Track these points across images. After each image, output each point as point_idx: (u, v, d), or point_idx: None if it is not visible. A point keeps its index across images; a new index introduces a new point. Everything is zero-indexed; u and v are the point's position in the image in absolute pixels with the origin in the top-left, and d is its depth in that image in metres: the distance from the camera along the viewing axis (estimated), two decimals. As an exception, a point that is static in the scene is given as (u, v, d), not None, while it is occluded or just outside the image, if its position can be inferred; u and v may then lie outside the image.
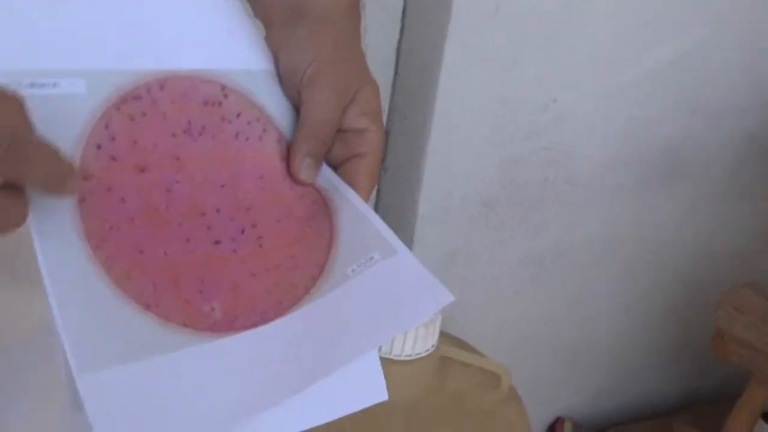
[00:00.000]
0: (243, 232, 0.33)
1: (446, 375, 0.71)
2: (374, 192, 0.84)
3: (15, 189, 0.26)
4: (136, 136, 0.32)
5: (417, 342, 0.67)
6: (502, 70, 0.75)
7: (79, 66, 0.31)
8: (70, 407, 0.36)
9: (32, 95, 0.29)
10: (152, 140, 0.33)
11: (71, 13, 0.32)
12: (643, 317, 1.04)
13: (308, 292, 0.33)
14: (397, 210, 0.82)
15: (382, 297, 0.33)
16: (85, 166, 0.30)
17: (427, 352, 0.68)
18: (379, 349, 0.65)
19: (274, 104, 0.37)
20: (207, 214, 0.33)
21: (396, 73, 0.77)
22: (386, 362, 0.66)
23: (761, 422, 0.87)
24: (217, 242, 0.33)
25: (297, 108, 0.37)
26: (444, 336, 0.71)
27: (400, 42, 0.76)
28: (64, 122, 0.30)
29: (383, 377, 0.33)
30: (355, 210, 0.35)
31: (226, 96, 0.35)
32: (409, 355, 0.67)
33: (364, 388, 0.33)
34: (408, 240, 0.81)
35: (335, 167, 0.37)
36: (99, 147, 0.31)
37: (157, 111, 0.33)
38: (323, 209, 0.36)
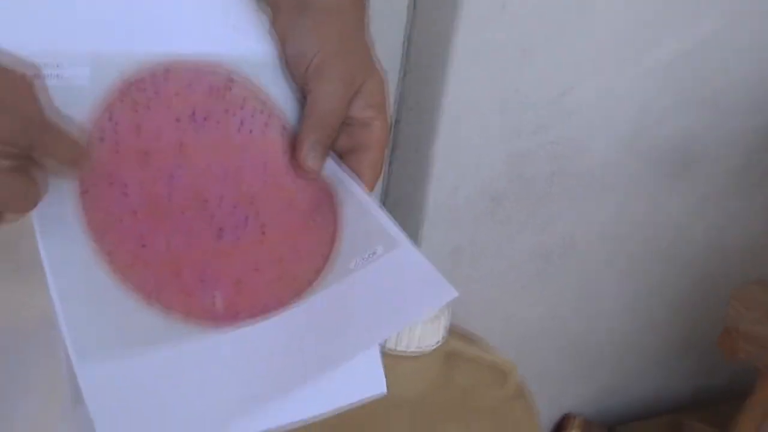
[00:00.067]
0: (246, 220, 0.33)
1: (453, 370, 0.71)
2: (381, 186, 0.84)
3: (28, 171, 0.27)
4: (140, 124, 0.32)
5: (423, 336, 0.67)
6: (510, 64, 0.74)
7: (83, 48, 0.31)
8: (72, 401, 0.36)
9: None
10: (156, 127, 0.33)
11: None
12: (652, 313, 1.03)
13: (311, 285, 0.33)
14: (404, 204, 0.82)
15: (386, 292, 0.33)
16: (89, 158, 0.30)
17: (434, 347, 0.68)
18: (385, 343, 0.65)
19: (280, 94, 0.37)
20: (210, 202, 0.33)
21: (404, 66, 0.77)
22: (392, 357, 0.66)
23: (771, 419, 0.86)
24: (220, 232, 0.33)
25: (302, 98, 0.37)
26: (451, 331, 0.71)
27: (407, 35, 0.76)
28: (67, 114, 0.30)
29: (383, 371, 0.33)
30: (359, 202, 0.35)
31: (230, 86, 0.35)
32: (416, 350, 0.67)
33: (363, 380, 0.32)
34: (415, 234, 0.81)
35: (339, 158, 0.37)
36: (102, 139, 0.31)
37: (161, 101, 0.33)
38: (327, 201, 0.35)
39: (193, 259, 0.31)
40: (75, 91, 0.30)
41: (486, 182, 0.81)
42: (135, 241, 0.30)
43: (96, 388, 0.26)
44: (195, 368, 0.29)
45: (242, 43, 0.36)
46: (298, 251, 0.34)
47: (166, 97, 0.33)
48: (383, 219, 0.34)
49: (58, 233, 0.28)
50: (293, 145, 0.36)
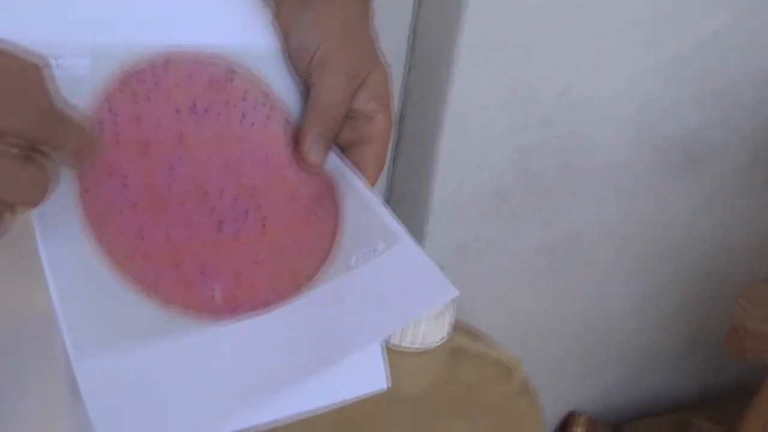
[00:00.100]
0: (247, 213, 0.33)
1: (458, 366, 0.70)
2: (386, 182, 0.83)
3: (40, 162, 0.26)
4: (139, 115, 0.32)
5: (428, 332, 0.66)
6: (516, 58, 0.74)
7: (82, 38, 0.31)
8: (70, 394, 0.36)
9: None
10: (156, 118, 0.32)
11: None
12: (659, 310, 1.03)
13: (311, 280, 0.33)
14: (409, 200, 0.82)
15: (386, 289, 0.32)
16: None
17: (439, 343, 0.67)
18: (389, 339, 0.65)
19: (282, 86, 0.36)
20: (210, 195, 0.33)
21: (409, 61, 0.77)
22: (397, 353, 0.66)
23: (779, 418, 0.86)
24: (220, 224, 0.32)
25: (305, 91, 0.37)
26: (456, 327, 0.71)
27: (413, 27, 0.75)
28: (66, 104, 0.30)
29: (384, 366, 0.32)
30: (360, 197, 0.35)
31: (232, 77, 0.35)
32: (420, 346, 0.67)
33: (365, 375, 0.32)
34: (420, 230, 0.81)
35: (342, 151, 0.37)
36: (101, 130, 0.31)
37: (161, 92, 0.33)
38: (329, 195, 0.35)
39: (192, 252, 0.31)
40: (74, 81, 0.30)
41: (491, 177, 0.80)
42: (134, 234, 0.30)
43: (93, 381, 0.26)
44: (194, 361, 0.29)
45: (244, 35, 0.36)
46: (299, 245, 0.34)
47: (166, 88, 0.33)
48: (385, 214, 0.34)
49: (57, 225, 0.28)
50: (295, 138, 0.36)
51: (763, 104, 0.90)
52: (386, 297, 0.32)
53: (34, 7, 0.30)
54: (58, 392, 0.38)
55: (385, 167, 0.88)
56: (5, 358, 0.38)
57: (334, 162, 0.36)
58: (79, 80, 0.31)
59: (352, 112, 0.36)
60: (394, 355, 0.66)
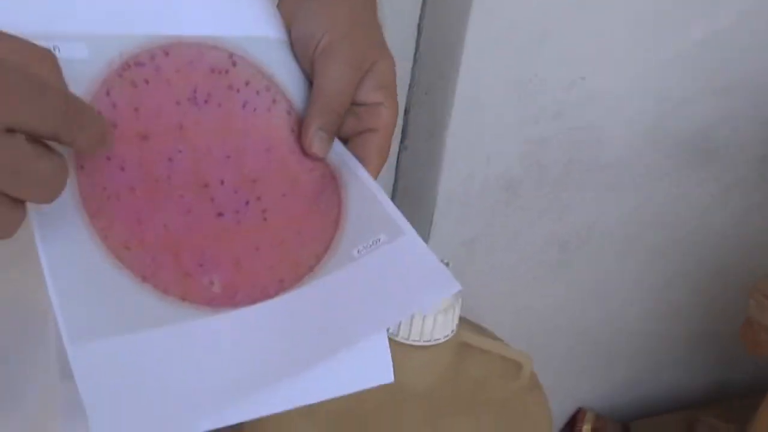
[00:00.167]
0: (247, 204, 0.33)
1: (465, 362, 0.70)
2: (392, 175, 0.83)
3: (57, 152, 0.25)
4: (138, 103, 0.31)
5: (435, 327, 0.66)
6: (527, 48, 0.73)
7: (80, 30, 0.31)
8: (60, 376, 0.35)
9: None
10: (155, 108, 0.32)
11: None
12: (670, 306, 1.02)
13: (312, 270, 0.32)
14: (415, 193, 0.81)
15: (387, 281, 0.32)
16: None
17: (446, 338, 0.67)
18: (396, 334, 0.65)
19: (285, 74, 0.36)
20: (210, 186, 0.32)
21: (417, 48, 0.76)
22: (404, 347, 0.65)
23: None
24: (220, 215, 0.32)
25: (309, 78, 0.36)
26: (464, 322, 0.70)
27: (421, 16, 0.75)
28: None
29: (390, 358, 0.32)
30: (363, 188, 0.34)
31: (234, 63, 0.34)
32: (427, 341, 0.66)
33: (370, 367, 0.32)
34: (426, 224, 0.80)
35: (345, 141, 0.36)
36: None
37: (161, 79, 0.32)
38: (332, 185, 0.35)
39: (191, 242, 0.31)
40: (71, 67, 0.29)
41: (500, 171, 0.80)
42: (131, 218, 0.30)
43: (86, 365, 0.26)
44: (191, 350, 0.28)
45: (247, 23, 0.35)
46: (300, 235, 0.33)
47: (166, 74, 0.32)
48: (388, 206, 0.34)
49: (52, 209, 0.27)
50: (299, 128, 0.35)
51: (778, 96, 0.89)
52: (388, 289, 0.32)
53: None
54: (57, 392, 0.38)
55: (392, 160, 0.87)
56: (6, 357, 0.37)
57: (337, 152, 0.36)
58: (76, 66, 0.30)
59: (356, 101, 0.35)
60: (400, 350, 0.65)
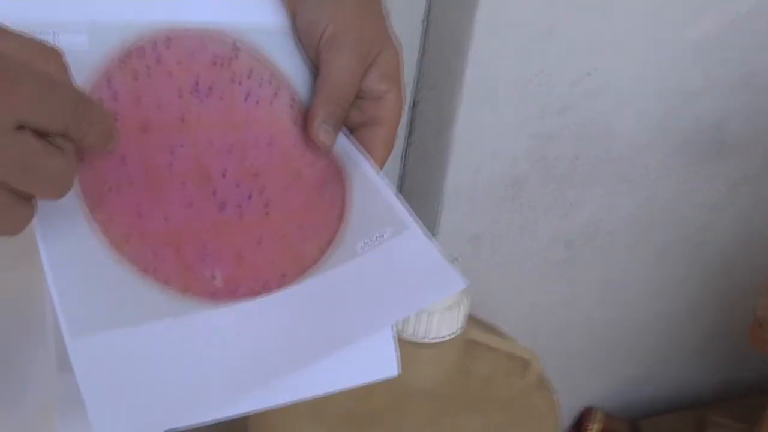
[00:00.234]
0: (250, 197, 0.32)
1: (473, 359, 0.70)
2: (398, 170, 0.82)
3: (66, 149, 0.25)
4: (140, 94, 0.31)
5: (442, 324, 0.65)
6: (534, 42, 0.73)
7: (81, 18, 0.30)
8: (57, 368, 0.35)
9: None
10: (156, 99, 0.31)
11: None
12: (679, 304, 1.01)
13: (315, 264, 0.32)
14: (422, 189, 0.81)
15: (391, 277, 0.32)
16: None
17: (453, 336, 0.66)
18: (403, 331, 0.64)
19: (289, 64, 0.35)
20: (212, 179, 0.32)
21: (424, 42, 0.75)
22: (410, 345, 0.65)
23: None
24: (222, 208, 0.31)
25: (314, 69, 0.36)
26: (471, 319, 0.69)
27: (428, 9, 0.74)
28: None
29: (395, 352, 0.31)
30: (368, 181, 0.34)
31: (236, 54, 0.34)
32: (434, 338, 0.66)
33: (375, 361, 0.31)
34: (433, 220, 0.80)
35: (350, 132, 0.36)
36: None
37: (163, 70, 0.32)
38: (336, 178, 0.34)
39: (193, 235, 0.30)
40: (71, 57, 0.29)
41: (507, 166, 0.79)
42: (132, 210, 0.29)
43: (86, 358, 0.26)
44: (192, 342, 0.28)
45: (250, 12, 0.35)
46: (303, 229, 0.33)
47: (167, 65, 0.32)
48: (393, 200, 0.33)
49: (53, 201, 0.27)
50: (303, 118, 0.35)
51: (789, 91, 0.88)
52: (391, 285, 0.31)
53: None
54: (57, 392, 0.37)
55: (398, 155, 0.86)
56: (6, 357, 0.37)
57: (342, 143, 0.35)
58: (76, 56, 0.29)
59: (361, 92, 0.35)
60: (407, 347, 0.65)
